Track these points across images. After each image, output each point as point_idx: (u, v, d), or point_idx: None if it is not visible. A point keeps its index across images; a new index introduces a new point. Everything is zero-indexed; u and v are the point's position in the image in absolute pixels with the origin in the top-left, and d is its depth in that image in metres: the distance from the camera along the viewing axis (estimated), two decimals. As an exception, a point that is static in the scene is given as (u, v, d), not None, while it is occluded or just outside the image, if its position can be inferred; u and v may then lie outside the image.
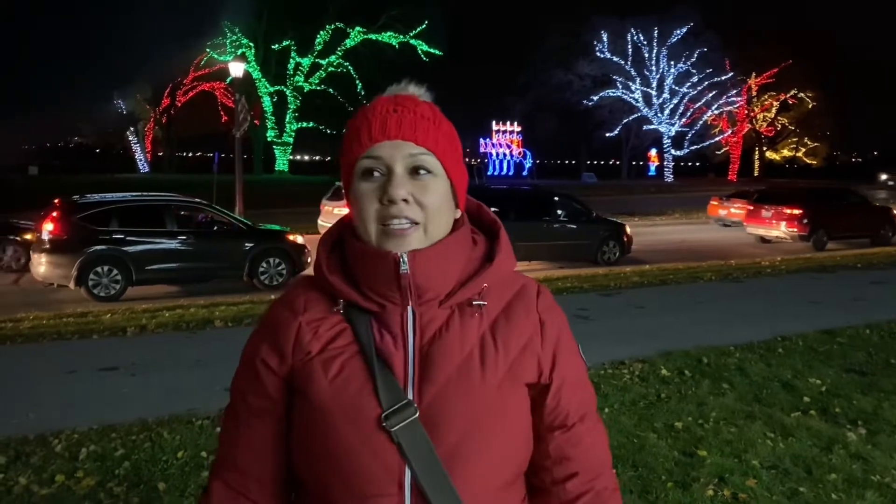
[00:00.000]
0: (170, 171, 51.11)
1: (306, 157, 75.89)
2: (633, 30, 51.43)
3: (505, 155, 53.85)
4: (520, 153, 54.24)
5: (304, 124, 47.04)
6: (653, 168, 60.34)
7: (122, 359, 6.29)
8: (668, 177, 54.79)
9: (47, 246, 9.77)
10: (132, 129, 52.89)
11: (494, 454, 1.07)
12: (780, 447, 4.21)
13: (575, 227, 13.68)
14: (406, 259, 1.06)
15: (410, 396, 1.05)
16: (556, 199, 14.34)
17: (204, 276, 10.77)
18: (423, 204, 1.07)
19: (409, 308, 1.09)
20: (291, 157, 50.30)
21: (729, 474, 3.80)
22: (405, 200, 1.06)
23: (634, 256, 14.22)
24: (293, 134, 47.53)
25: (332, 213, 14.68)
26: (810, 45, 53.41)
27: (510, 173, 53.23)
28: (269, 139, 47.37)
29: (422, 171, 1.08)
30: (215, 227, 11.19)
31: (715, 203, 20.84)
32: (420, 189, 1.07)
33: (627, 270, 11.83)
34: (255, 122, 41.80)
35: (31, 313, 8.51)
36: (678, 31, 51.07)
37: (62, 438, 4.36)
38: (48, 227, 9.82)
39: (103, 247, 9.86)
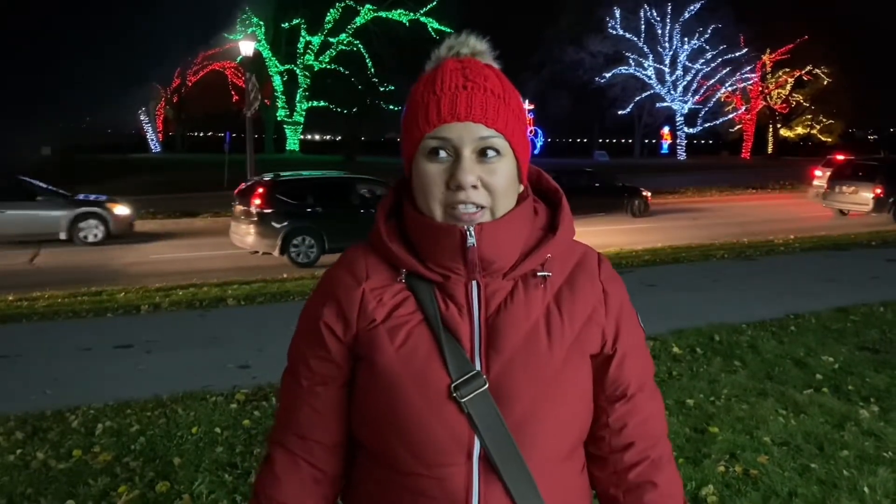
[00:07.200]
0: (181, 150, 51.16)
1: (317, 137, 75.62)
2: (646, 5, 50.75)
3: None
4: (531, 132, 53.93)
5: (315, 103, 46.85)
6: (665, 146, 59.82)
7: (137, 336, 6.36)
8: (681, 155, 54.31)
9: (255, 219, 10.94)
10: (143, 108, 52.91)
11: (560, 425, 1.08)
12: (791, 424, 4.20)
13: None
14: (473, 232, 1.04)
15: (478, 367, 1.05)
16: None
17: None
18: (490, 187, 1.04)
19: (474, 280, 1.07)
20: (302, 137, 50.18)
21: (740, 451, 3.80)
22: (474, 186, 1.03)
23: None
24: (304, 113, 47.36)
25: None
26: (827, 21, 52.57)
27: None
28: (279, 118, 47.24)
29: (490, 153, 1.04)
30: None
31: None
32: (488, 172, 1.04)
33: (639, 249, 11.78)
34: (266, 101, 41.66)
35: (46, 292, 8.60)
36: (692, 7, 50.36)
37: (79, 414, 4.42)
38: (256, 202, 10.97)
39: (302, 219, 11.13)
